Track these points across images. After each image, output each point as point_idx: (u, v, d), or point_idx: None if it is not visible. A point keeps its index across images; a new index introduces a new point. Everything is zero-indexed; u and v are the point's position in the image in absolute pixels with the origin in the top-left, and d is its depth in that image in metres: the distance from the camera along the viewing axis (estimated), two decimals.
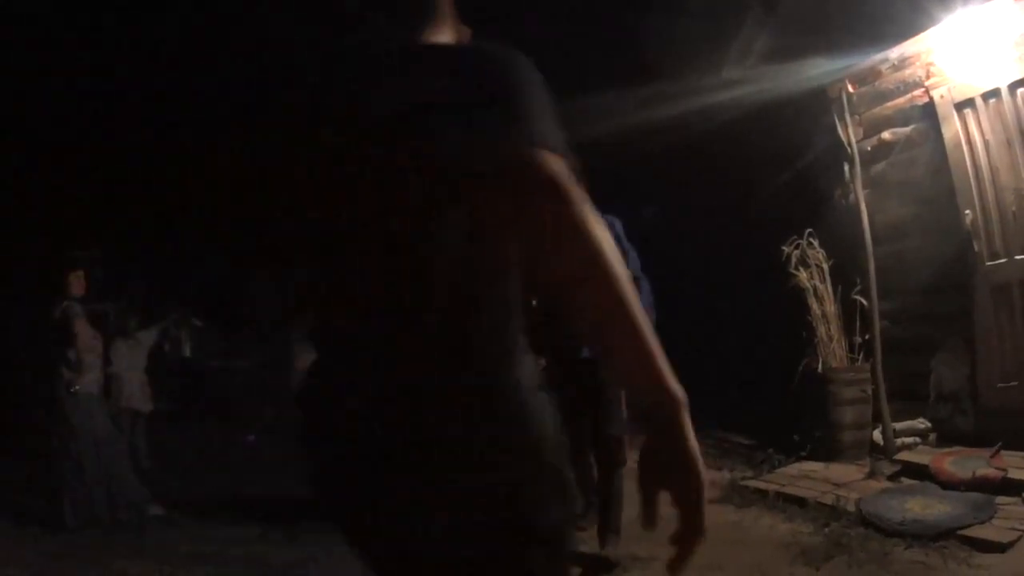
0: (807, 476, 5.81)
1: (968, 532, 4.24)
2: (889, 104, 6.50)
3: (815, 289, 6.56)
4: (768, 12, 7.27)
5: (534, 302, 2.12)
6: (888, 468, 5.66)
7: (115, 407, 7.92)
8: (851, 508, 4.90)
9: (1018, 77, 5.49)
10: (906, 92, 6.34)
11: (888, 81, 6.51)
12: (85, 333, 6.22)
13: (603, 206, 1.82)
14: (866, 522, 4.65)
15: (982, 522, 4.33)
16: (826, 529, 4.71)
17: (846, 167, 6.62)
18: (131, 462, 6.79)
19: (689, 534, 1.31)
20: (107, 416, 6.57)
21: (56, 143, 12.16)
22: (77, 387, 6.08)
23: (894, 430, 6.04)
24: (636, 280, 2.95)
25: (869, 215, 6.43)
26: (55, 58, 10.77)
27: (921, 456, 5.61)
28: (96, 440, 6.16)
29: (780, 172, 7.55)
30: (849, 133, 6.57)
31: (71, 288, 6.25)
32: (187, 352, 15.31)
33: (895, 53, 6.34)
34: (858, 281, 6.40)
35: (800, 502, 5.26)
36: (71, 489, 5.98)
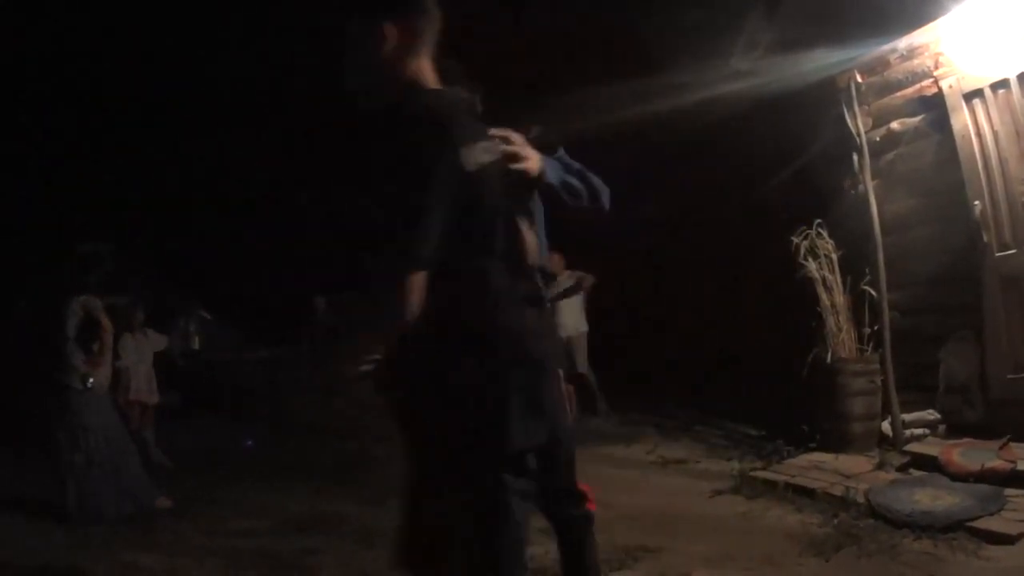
0: (816, 467, 5.80)
1: (977, 524, 4.24)
2: (898, 94, 6.48)
3: (824, 280, 6.55)
4: (775, 2, 7.25)
5: None
6: (897, 459, 5.66)
7: (123, 400, 7.96)
8: (860, 499, 4.91)
9: None
10: (915, 82, 6.32)
11: (897, 71, 6.48)
12: (109, 325, 6.26)
13: None
14: (875, 513, 4.66)
15: (991, 514, 4.33)
16: (835, 520, 4.71)
17: (855, 158, 6.60)
18: (139, 455, 6.81)
19: None
20: (115, 409, 6.59)
21: (66, 137, 12.19)
22: (92, 380, 6.10)
23: (903, 421, 6.03)
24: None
25: (878, 206, 6.41)
26: (66, 53, 10.79)
27: (930, 447, 5.61)
28: (106, 433, 6.18)
29: (789, 163, 7.54)
30: (858, 123, 6.55)
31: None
32: (196, 345, 15.35)
33: (904, 43, 6.32)
34: (867, 272, 6.39)
35: (809, 493, 5.26)
36: (79, 482, 6.00)
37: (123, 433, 6.47)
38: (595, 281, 9.17)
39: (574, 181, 2.68)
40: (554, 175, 2.61)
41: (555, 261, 8.78)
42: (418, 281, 1.97)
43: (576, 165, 2.76)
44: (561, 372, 3.02)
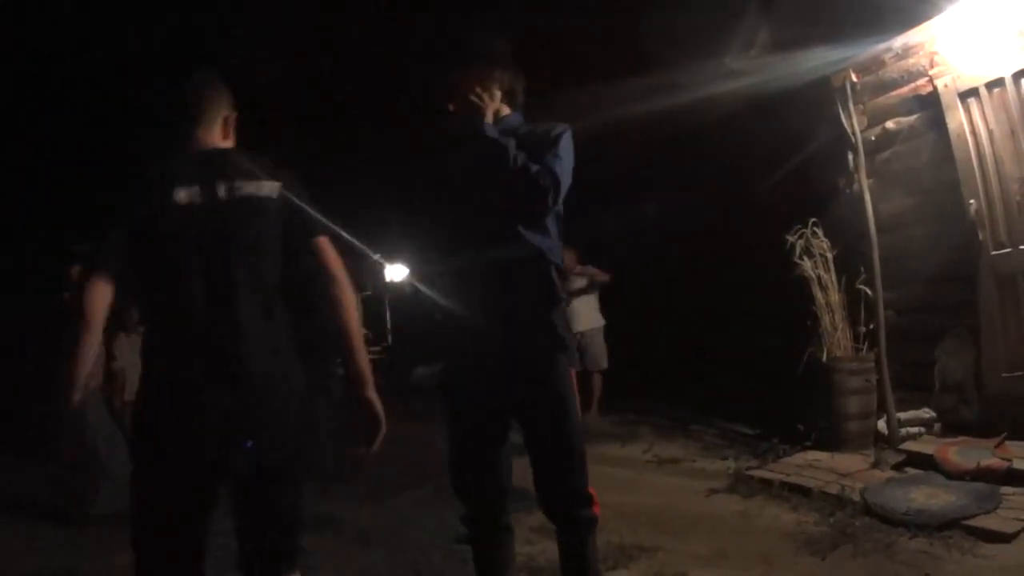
0: (812, 466, 5.80)
1: (973, 522, 4.24)
2: (893, 93, 6.48)
3: (819, 278, 6.56)
4: (770, 2, 7.26)
5: None
6: (893, 458, 5.66)
7: (119, 401, 7.95)
8: (856, 498, 4.91)
9: (1022, 66, 5.46)
10: (910, 81, 6.32)
11: (892, 70, 6.48)
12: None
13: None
14: (871, 512, 4.66)
15: (987, 512, 4.33)
16: (831, 519, 4.71)
17: (850, 157, 6.61)
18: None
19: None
20: (105, 409, 6.51)
21: (59, 137, 12.16)
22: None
23: (899, 420, 6.04)
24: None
25: (873, 204, 6.42)
26: (59, 54, 10.76)
27: (926, 446, 5.61)
28: (98, 432, 6.14)
29: (784, 162, 7.54)
30: (853, 123, 6.55)
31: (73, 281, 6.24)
32: None
33: (899, 42, 6.32)
34: (862, 270, 6.40)
35: (805, 492, 5.26)
36: (73, 482, 5.97)
37: (113, 433, 6.41)
38: (609, 279, 9.06)
39: (526, 164, 2.83)
40: (494, 133, 2.88)
41: (569, 258, 8.71)
42: (94, 283, 2.46)
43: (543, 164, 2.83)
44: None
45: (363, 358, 2.60)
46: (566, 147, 2.94)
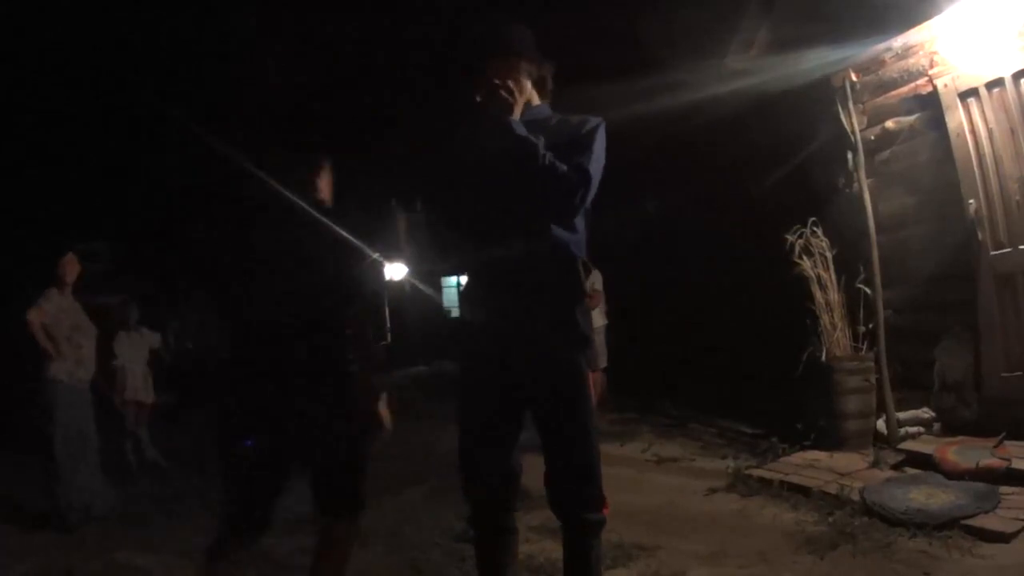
0: (811, 465, 5.81)
1: (972, 522, 4.25)
2: (893, 93, 6.48)
3: (819, 278, 6.57)
4: (770, 1, 7.25)
5: None
6: (892, 457, 5.67)
7: (119, 400, 7.95)
8: (855, 497, 4.91)
9: (1022, 66, 5.47)
10: (910, 81, 6.32)
11: (892, 70, 6.49)
12: (37, 321, 6.08)
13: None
14: (870, 511, 4.66)
15: (986, 512, 4.33)
16: (830, 518, 4.72)
17: (850, 156, 6.61)
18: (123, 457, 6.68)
19: None
20: (88, 409, 6.41)
21: (60, 138, 12.17)
22: (49, 375, 6.00)
23: (898, 419, 6.05)
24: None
25: (873, 204, 6.43)
26: (61, 54, 10.78)
27: (925, 445, 5.62)
28: (74, 432, 6.08)
29: (784, 161, 7.54)
30: (852, 122, 6.56)
31: (64, 274, 6.19)
32: (190, 344, 15.31)
33: (899, 42, 6.32)
34: (862, 270, 6.41)
35: (804, 491, 5.27)
36: (61, 483, 5.93)
37: (88, 434, 6.32)
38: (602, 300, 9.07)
39: (554, 163, 2.73)
40: (522, 130, 2.76)
41: None
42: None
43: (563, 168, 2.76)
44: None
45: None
46: (600, 143, 2.87)
